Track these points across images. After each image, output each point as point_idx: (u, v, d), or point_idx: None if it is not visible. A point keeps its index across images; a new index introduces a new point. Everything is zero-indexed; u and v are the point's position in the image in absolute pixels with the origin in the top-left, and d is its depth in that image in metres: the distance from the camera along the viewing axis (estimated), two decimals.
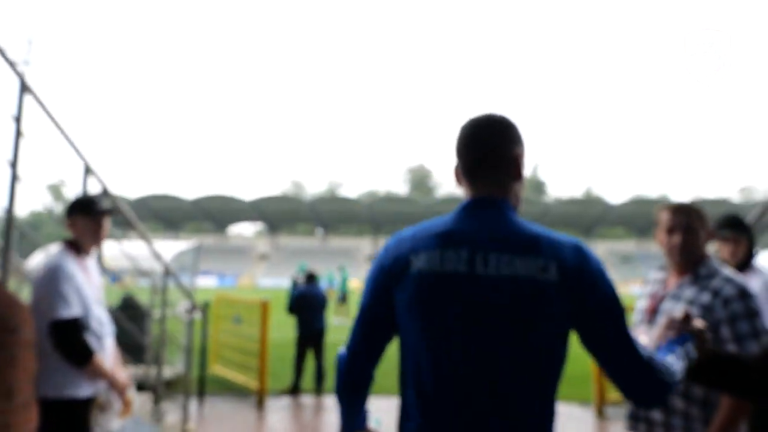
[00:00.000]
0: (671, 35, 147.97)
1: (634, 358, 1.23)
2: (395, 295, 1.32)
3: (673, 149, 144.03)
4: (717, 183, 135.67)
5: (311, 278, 7.72)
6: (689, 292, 2.05)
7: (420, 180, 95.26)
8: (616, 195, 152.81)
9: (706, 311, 1.98)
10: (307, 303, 7.53)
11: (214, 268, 63.86)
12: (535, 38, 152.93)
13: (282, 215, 69.65)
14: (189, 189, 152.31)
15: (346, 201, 66.09)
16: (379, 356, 1.44)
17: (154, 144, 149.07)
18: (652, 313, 2.14)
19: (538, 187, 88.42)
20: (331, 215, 69.51)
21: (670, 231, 2.10)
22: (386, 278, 1.34)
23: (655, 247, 69.41)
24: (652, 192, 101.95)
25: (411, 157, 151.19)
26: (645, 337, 2.08)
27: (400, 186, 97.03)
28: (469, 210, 1.32)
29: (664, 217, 2.14)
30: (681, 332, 1.44)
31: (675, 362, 1.31)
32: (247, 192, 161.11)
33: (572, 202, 63.39)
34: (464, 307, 1.23)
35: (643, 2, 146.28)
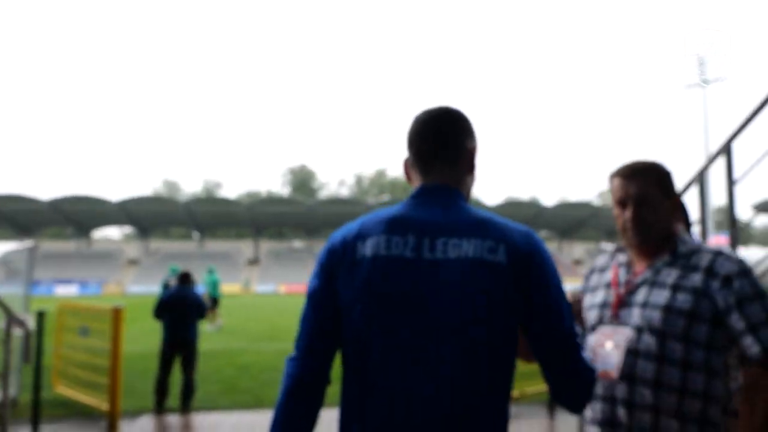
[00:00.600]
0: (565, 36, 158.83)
1: (575, 358, 1.21)
2: (339, 282, 1.26)
3: (542, 154, 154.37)
4: (580, 186, 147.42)
5: (185, 279, 6.67)
6: (670, 275, 1.57)
7: (302, 181, 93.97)
8: (490, 197, 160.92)
9: (701, 296, 1.51)
10: (175, 307, 6.50)
11: (77, 276, 58.68)
12: (411, 34, 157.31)
13: (154, 217, 65.50)
14: (45, 188, 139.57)
15: (224, 202, 63.49)
16: (333, 353, 1.29)
17: (3, 137, 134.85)
18: (619, 307, 1.62)
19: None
20: (208, 217, 66.45)
21: (622, 202, 1.63)
22: (332, 265, 1.28)
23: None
24: (523, 194, 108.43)
25: (292, 157, 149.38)
26: (609, 342, 1.58)
27: (280, 187, 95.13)
28: (420, 197, 1.30)
29: (614, 186, 1.65)
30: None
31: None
32: (114, 192, 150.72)
33: None
34: (409, 290, 1.20)
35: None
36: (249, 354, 10.76)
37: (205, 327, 16.21)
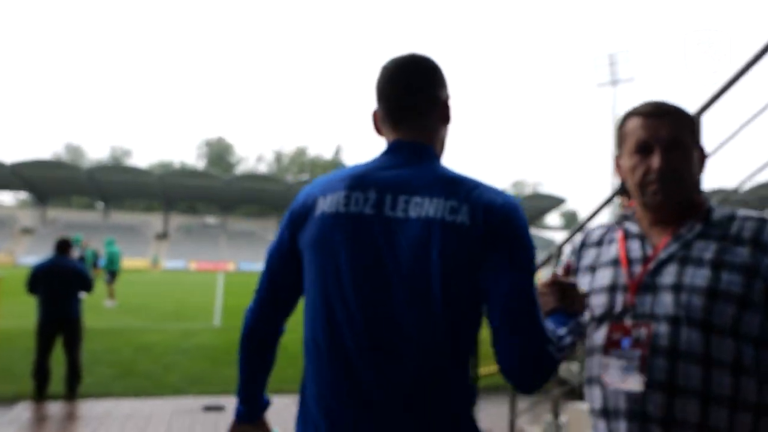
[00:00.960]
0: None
1: (534, 331, 1.09)
2: (298, 239, 1.25)
3: (455, 147, 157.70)
4: (492, 177, 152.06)
5: (63, 248, 5.86)
6: (707, 248, 1.23)
7: (218, 154, 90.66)
8: None
9: (753, 276, 1.17)
10: (52, 279, 5.70)
11: None
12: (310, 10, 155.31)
13: (53, 184, 61.04)
14: None
15: (133, 171, 60.13)
16: (288, 309, 1.36)
17: None
18: (639, 291, 1.26)
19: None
20: (114, 187, 62.74)
21: (644, 147, 1.27)
22: (292, 222, 1.27)
23: None
24: None
25: (209, 128, 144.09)
26: (627, 339, 1.24)
27: (195, 159, 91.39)
28: (388, 154, 1.25)
29: (633, 127, 1.29)
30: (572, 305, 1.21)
31: (564, 337, 1.15)
32: (7, 154, 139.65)
33: None
34: (366, 248, 1.16)
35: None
36: (151, 333, 9.98)
37: (103, 303, 15.07)
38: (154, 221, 68.14)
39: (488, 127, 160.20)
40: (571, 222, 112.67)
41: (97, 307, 13.78)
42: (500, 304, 1.10)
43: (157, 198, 67.76)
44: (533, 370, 1.08)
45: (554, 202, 74.53)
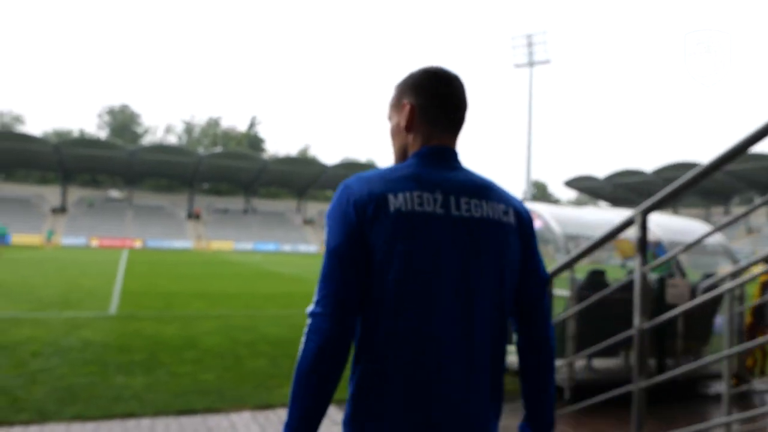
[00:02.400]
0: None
1: (545, 318, 1.40)
2: (369, 235, 1.24)
3: (378, 117, 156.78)
4: None
5: None
6: None
7: (123, 123, 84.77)
8: (329, 156, 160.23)
9: None
10: None
11: None
12: None
13: None
14: None
15: (25, 138, 54.82)
16: (358, 310, 1.26)
17: None
18: None
19: (256, 144, 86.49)
20: (4, 155, 57.05)
21: None
22: (360, 217, 1.24)
23: None
24: (360, 156, 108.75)
25: (112, 95, 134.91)
26: None
27: (96, 128, 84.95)
28: (434, 158, 1.35)
29: None
30: None
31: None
32: None
33: (289, 161, 63.39)
34: (444, 245, 1.25)
35: None
36: (22, 326, 8.39)
37: None
38: (51, 194, 62.81)
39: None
40: None
41: None
42: (528, 293, 1.38)
43: (53, 169, 62.44)
44: (550, 353, 1.40)
45: None
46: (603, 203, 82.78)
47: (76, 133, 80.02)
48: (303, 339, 1.24)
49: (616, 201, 79.67)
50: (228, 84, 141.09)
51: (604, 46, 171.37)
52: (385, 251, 1.21)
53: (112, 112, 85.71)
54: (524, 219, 1.36)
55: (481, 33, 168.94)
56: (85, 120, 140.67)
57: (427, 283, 1.22)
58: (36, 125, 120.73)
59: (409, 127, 1.37)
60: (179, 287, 15.05)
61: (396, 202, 1.23)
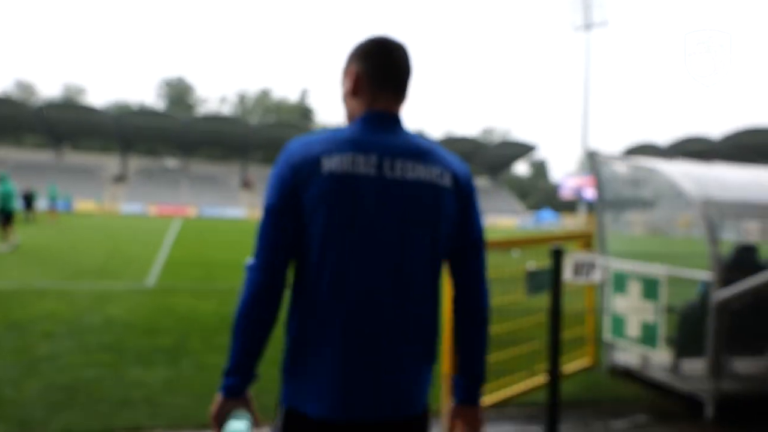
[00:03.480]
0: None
1: (479, 283, 1.50)
2: (302, 196, 1.34)
3: (428, 88, 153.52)
4: (464, 123, 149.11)
5: None
6: None
7: (179, 95, 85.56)
8: None
9: None
10: None
11: None
12: None
13: (2, 122, 56.38)
14: None
15: (88, 110, 55.80)
16: (289, 263, 1.39)
17: None
18: None
19: (307, 114, 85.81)
20: (67, 126, 58.37)
21: None
22: (295, 178, 1.34)
23: None
24: (411, 125, 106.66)
25: (168, 68, 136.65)
26: None
27: (153, 99, 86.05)
28: (375, 121, 1.42)
29: None
30: None
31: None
32: None
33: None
34: (374, 206, 1.34)
35: None
36: (47, 298, 7.61)
37: None
38: (111, 163, 64.08)
39: (459, 72, 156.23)
40: (540, 171, 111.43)
41: None
42: (464, 248, 1.48)
43: (113, 139, 63.54)
44: (484, 299, 1.51)
45: (523, 149, 72.69)
46: None
47: (135, 105, 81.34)
48: (241, 289, 1.37)
49: None
50: (279, 56, 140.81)
51: (665, 6, 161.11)
52: (314, 209, 1.33)
53: (168, 84, 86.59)
54: (461, 182, 1.45)
55: None
56: (144, 92, 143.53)
57: (352, 238, 1.32)
58: (98, 97, 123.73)
59: (354, 92, 1.47)
60: (225, 256, 14.21)
61: (330, 163, 1.33)
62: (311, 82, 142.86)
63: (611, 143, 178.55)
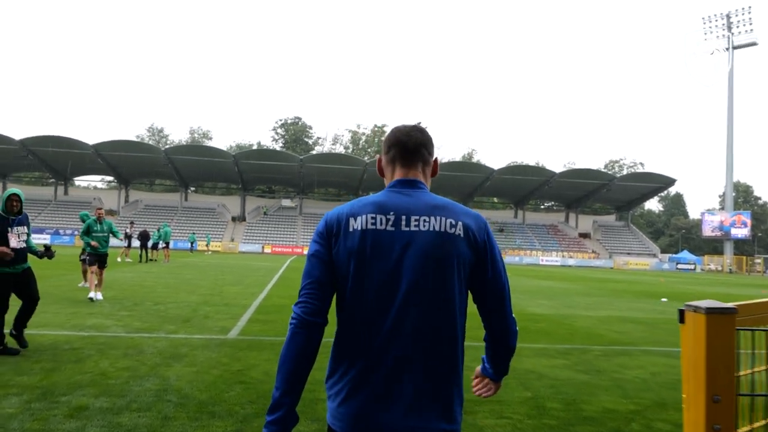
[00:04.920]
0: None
1: (507, 308, 1.72)
2: (336, 248, 1.63)
3: (548, 120, 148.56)
4: (587, 155, 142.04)
5: None
6: None
7: (295, 135, 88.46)
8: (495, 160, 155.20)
9: None
10: None
11: (51, 225, 54.28)
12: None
13: (133, 164, 60.77)
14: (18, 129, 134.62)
15: (211, 152, 58.83)
16: (329, 300, 1.65)
17: None
18: None
19: None
20: (197, 169, 61.68)
21: None
22: (329, 234, 1.65)
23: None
24: (528, 159, 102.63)
25: (284, 110, 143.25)
26: None
27: (269, 141, 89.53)
28: (396, 187, 1.72)
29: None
30: None
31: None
32: (90, 136, 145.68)
33: (455, 165, 60.63)
34: (392, 253, 1.60)
35: None
36: (107, 355, 6.26)
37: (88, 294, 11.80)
38: (232, 204, 66.83)
39: (582, 104, 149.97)
40: (676, 206, 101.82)
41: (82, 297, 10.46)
42: (488, 292, 1.70)
43: (234, 181, 66.36)
44: (513, 337, 1.75)
45: (660, 183, 66.35)
46: None
47: (254, 146, 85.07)
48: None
49: None
50: (393, 91, 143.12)
51: None
52: (344, 257, 1.62)
53: (285, 124, 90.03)
54: (472, 231, 1.65)
55: (663, 15, 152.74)
56: (262, 134, 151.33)
57: (371, 280, 1.59)
58: (221, 141, 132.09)
59: (379, 171, 1.85)
60: None
61: (355, 222, 1.63)
62: (426, 115, 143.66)
63: (760, 175, 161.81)
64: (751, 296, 20.82)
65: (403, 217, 1.62)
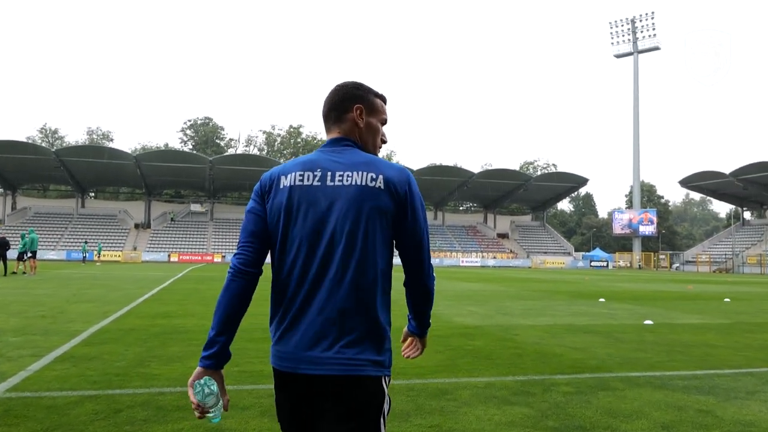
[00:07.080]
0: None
1: (422, 267, 1.79)
2: (267, 204, 1.76)
3: (466, 121, 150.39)
4: (503, 156, 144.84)
5: None
6: None
7: (205, 137, 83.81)
8: (414, 161, 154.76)
9: None
10: None
11: None
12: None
13: (21, 168, 54.88)
14: None
15: (112, 153, 53.99)
16: (263, 252, 1.76)
17: None
18: None
19: None
20: (87, 171, 56.54)
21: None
22: (262, 193, 1.78)
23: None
24: (446, 160, 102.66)
25: (193, 109, 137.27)
26: None
27: (178, 142, 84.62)
28: (327, 146, 1.83)
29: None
30: None
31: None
32: None
33: None
34: (318, 206, 1.70)
35: None
36: None
37: None
38: (135, 210, 61.90)
39: (496, 106, 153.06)
40: (586, 206, 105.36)
41: None
42: (407, 242, 1.76)
43: (138, 185, 61.52)
44: (430, 286, 1.83)
45: (573, 183, 67.76)
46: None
47: (159, 147, 79.64)
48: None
49: (745, 201, 69.21)
50: (308, 91, 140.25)
51: (720, 25, 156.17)
52: (275, 212, 1.73)
53: (194, 125, 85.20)
54: (393, 184, 1.71)
55: (572, 19, 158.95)
56: (169, 136, 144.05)
57: (299, 232, 1.70)
58: (124, 143, 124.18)
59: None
60: (198, 321, 10.16)
61: (285, 180, 1.75)
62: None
63: (662, 175, 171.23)
64: (670, 292, 20.15)
65: (329, 173, 1.73)
